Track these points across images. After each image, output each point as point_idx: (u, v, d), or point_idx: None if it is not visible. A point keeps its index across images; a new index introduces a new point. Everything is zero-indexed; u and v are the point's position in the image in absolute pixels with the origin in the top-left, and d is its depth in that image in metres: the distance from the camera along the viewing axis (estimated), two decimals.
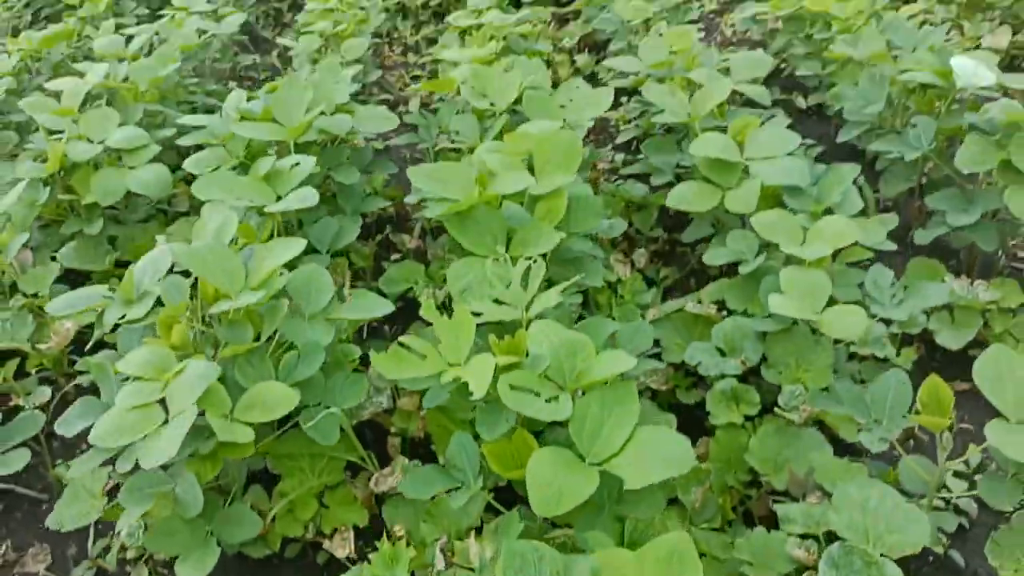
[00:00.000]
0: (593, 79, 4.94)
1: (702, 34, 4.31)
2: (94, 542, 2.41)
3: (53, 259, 3.14)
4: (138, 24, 5.91)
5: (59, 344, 2.74)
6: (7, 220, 3.12)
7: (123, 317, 2.24)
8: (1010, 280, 2.65)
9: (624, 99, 4.15)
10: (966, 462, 2.19)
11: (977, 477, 2.19)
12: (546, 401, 1.92)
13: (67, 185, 3.36)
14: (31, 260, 3.13)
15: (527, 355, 2.04)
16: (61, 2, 6.25)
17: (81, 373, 2.66)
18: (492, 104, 3.21)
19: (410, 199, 3.09)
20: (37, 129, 4.40)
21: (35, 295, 2.92)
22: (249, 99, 3.42)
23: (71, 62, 5.21)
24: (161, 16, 5.57)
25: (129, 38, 4.48)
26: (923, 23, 4.57)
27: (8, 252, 2.86)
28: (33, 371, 2.92)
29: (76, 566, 2.36)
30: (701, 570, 1.52)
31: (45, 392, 2.72)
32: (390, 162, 3.52)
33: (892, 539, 1.74)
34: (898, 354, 2.51)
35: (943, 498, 2.11)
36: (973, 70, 2.92)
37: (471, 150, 3.05)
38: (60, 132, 3.41)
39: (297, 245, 2.26)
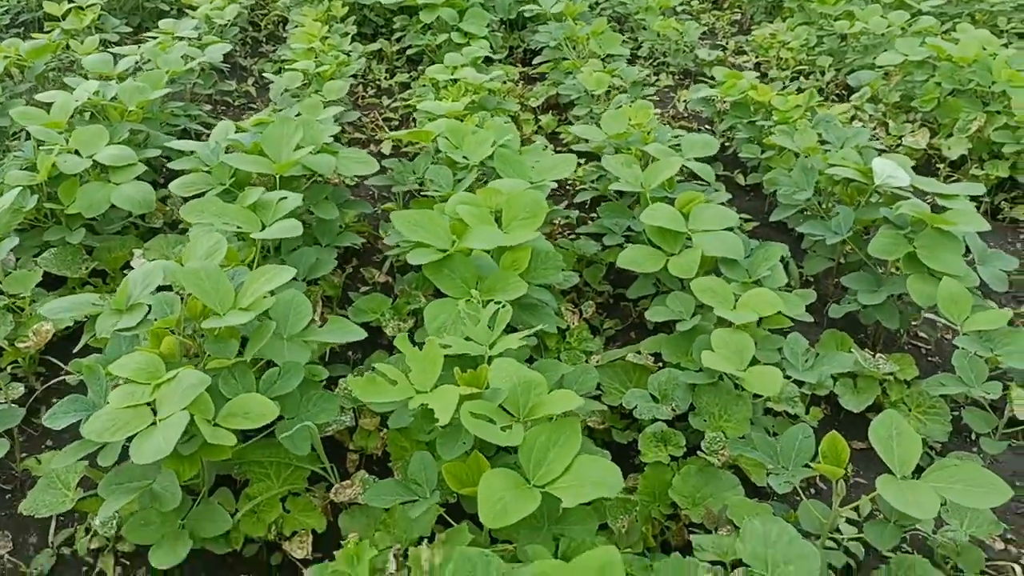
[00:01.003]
0: (555, 137, 5.30)
1: (657, 109, 4.70)
2: (56, 532, 2.54)
3: (34, 262, 3.28)
4: (120, 40, 6.09)
5: (38, 344, 2.89)
6: None
7: (116, 324, 2.42)
8: (908, 356, 3.02)
9: (582, 160, 4.49)
10: (857, 510, 2.50)
11: (867, 524, 2.51)
12: (501, 429, 2.17)
13: (50, 193, 3.53)
14: (13, 263, 3.27)
15: (487, 387, 2.30)
16: (40, 10, 6.38)
17: (53, 372, 2.81)
18: (465, 158, 3.50)
19: (389, 240, 3.35)
20: (15, 134, 4.56)
21: (17, 296, 3.07)
22: (237, 130, 3.65)
23: (53, 72, 5.37)
24: (143, 34, 5.77)
25: (116, 57, 4.66)
26: (853, 118, 5.08)
27: None
28: (7, 367, 3.04)
29: (37, 554, 2.49)
30: None
31: (18, 388, 2.86)
32: (363, 201, 3.77)
33: (788, 569, 2.03)
34: (807, 412, 2.85)
35: (835, 540, 2.41)
36: (890, 171, 3.33)
37: (443, 198, 3.33)
38: (49, 143, 3.57)
39: (287, 273, 2.48)
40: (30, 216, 3.56)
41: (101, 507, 2.13)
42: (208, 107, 5.70)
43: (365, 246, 4.02)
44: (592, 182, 4.14)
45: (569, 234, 4.11)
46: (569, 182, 4.67)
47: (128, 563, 2.43)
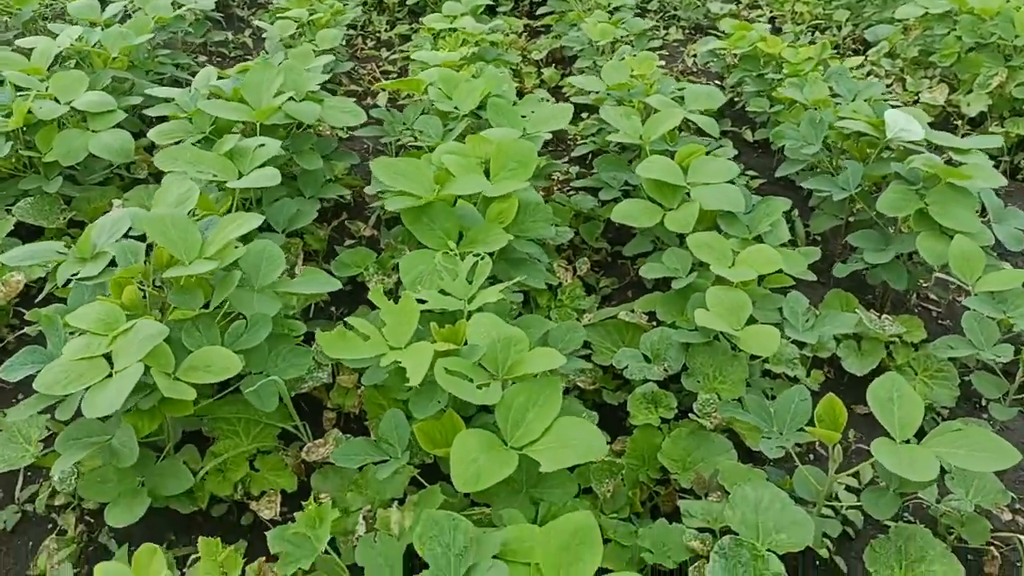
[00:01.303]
0: (557, 92, 5.11)
1: (663, 62, 4.51)
2: (22, 488, 2.46)
3: (7, 211, 3.17)
4: None
5: (7, 295, 2.78)
6: None
7: (77, 274, 2.31)
8: (916, 318, 2.87)
9: (584, 115, 4.33)
10: (857, 477, 2.37)
11: (864, 491, 2.38)
12: (478, 387, 2.05)
13: (28, 141, 3.40)
14: None
15: (465, 344, 2.17)
16: None
17: (26, 324, 2.71)
18: (456, 107, 3.35)
19: (370, 189, 3.21)
20: (2, 84, 4.42)
21: None
22: (220, 77, 3.50)
23: (42, 20, 5.21)
24: None
25: (104, 3, 4.50)
26: (869, 73, 4.87)
27: None
28: None
29: (1, 510, 2.41)
30: (600, 546, 1.67)
31: None
32: (353, 153, 3.63)
33: (779, 537, 1.91)
34: (808, 375, 2.71)
35: (833, 507, 2.29)
36: (903, 124, 3.14)
37: (432, 149, 3.18)
38: (27, 89, 3.45)
39: (254, 220, 2.35)
40: (8, 165, 3.45)
41: (56, 462, 2.03)
42: (203, 58, 5.54)
43: (356, 200, 3.88)
44: (592, 135, 3.98)
45: (567, 190, 3.95)
46: (570, 137, 4.50)
47: (92, 521, 2.34)
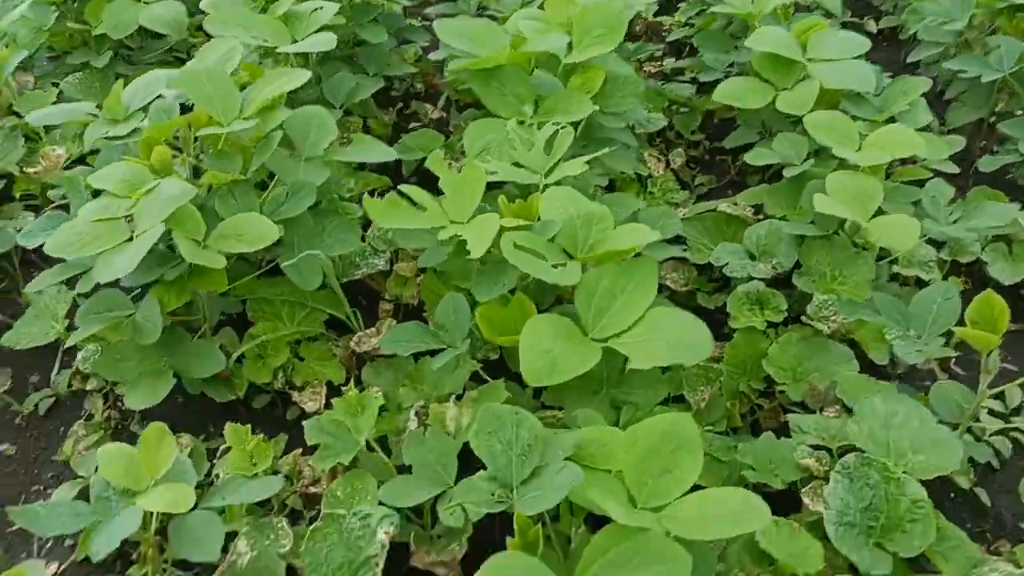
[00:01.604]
0: None
1: None
2: (58, 371, 2.27)
3: (53, 85, 2.97)
4: None
5: (48, 169, 2.58)
6: (12, 41, 2.95)
7: (106, 133, 2.06)
8: None
9: (681, 4, 3.87)
10: (1003, 399, 1.97)
11: (1015, 419, 1.97)
12: (553, 267, 1.72)
13: (79, 15, 3.19)
14: (32, 85, 2.96)
15: (538, 220, 1.85)
16: None
17: (56, 187, 2.51)
18: None
19: (436, 55, 2.86)
20: None
21: None
22: None
23: None
24: None
25: None
26: None
27: (5, 68, 2.68)
28: (18, 196, 2.76)
29: (36, 392, 2.23)
30: (701, 454, 1.34)
31: (28, 218, 2.56)
32: (420, 29, 3.29)
33: (916, 459, 1.56)
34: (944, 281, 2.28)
35: (974, 434, 1.90)
36: None
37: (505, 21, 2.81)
38: None
39: (301, 75, 2.05)
40: (63, 42, 3.25)
41: (71, 336, 1.81)
42: None
43: (427, 91, 3.54)
44: (691, 18, 3.52)
45: (661, 82, 3.52)
46: (664, 28, 4.04)
47: (124, 408, 2.13)
